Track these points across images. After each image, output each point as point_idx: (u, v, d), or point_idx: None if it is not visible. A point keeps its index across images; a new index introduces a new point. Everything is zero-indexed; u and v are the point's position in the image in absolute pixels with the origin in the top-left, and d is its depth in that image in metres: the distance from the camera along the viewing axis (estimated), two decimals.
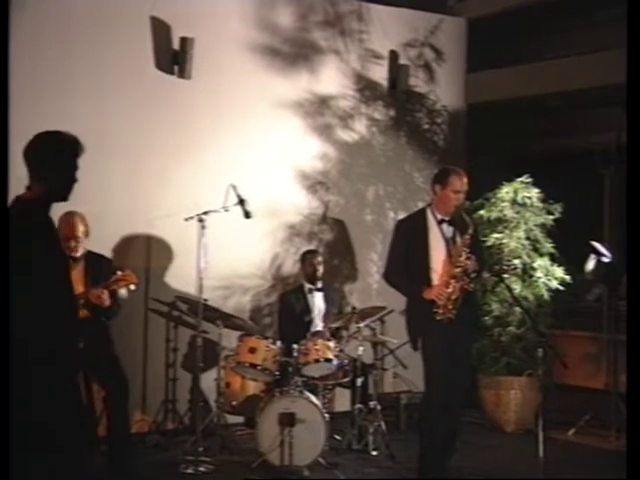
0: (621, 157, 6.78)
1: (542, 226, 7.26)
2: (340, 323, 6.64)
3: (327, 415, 5.83)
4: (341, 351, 6.31)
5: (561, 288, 7.17)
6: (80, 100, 6.50)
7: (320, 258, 6.93)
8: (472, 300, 5.48)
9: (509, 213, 7.22)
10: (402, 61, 7.98)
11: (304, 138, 7.57)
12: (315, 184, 7.65)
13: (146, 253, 6.82)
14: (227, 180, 6.19)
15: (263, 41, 7.35)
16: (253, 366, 6.11)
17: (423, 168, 8.15)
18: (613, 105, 7.19)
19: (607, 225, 7.30)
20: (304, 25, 7.60)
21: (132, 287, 5.58)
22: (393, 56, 7.95)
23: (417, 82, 8.16)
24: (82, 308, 5.28)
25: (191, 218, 6.03)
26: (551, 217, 7.22)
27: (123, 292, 5.71)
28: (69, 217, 5.49)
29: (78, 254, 5.56)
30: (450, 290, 5.22)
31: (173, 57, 6.83)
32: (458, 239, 5.33)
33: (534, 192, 7.25)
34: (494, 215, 7.21)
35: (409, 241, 5.43)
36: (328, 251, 7.58)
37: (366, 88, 7.93)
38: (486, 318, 6.98)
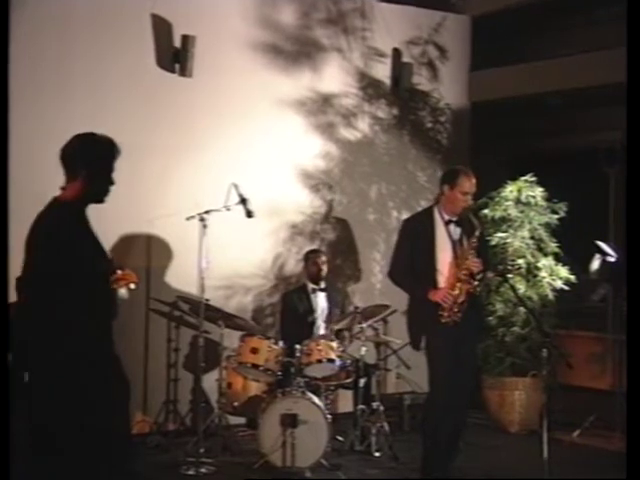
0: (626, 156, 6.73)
1: (546, 225, 7.21)
2: (344, 325, 6.60)
3: (329, 416, 5.80)
4: (344, 351, 6.30)
5: (566, 288, 7.13)
6: (80, 99, 6.46)
7: (324, 258, 6.90)
8: (477, 301, 5.43)
9: (513, 212, 7.18)
10: (405, 59, 7.93)
11: (306, 137, 7.54)
12: (317, 183, 7.62)
13: (147, 253, 6.80)
14: (228, 179, 6.16)
15: (265, 39, 7.32)
16: (255, 367, 6.09)
17: (426, 167, 8.12)
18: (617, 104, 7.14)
19: (612, 224, 7.25)
20: (306, 23, 7.56)
21: (132, 286, 5.52)
22: (396, 54, 7.90)
23: (420, 80, 8.12)
24: None
25: (192, 217, 6.00)
26: (555, 216, 7.18)
27: (123, 292, 5.66)
28: None
29: None
30: (456, 293, 5.17)
31: (174, 55, 6.80)
32: (465, 241, 5.27)
33: (538, 191, 7.21)
34: (498, 214, 7.17)
35: (415, 241, 5.37)
36: (331, 250, 7.54)
37: (369, 86, 7.89)
38: (490, 318, 6.94)
